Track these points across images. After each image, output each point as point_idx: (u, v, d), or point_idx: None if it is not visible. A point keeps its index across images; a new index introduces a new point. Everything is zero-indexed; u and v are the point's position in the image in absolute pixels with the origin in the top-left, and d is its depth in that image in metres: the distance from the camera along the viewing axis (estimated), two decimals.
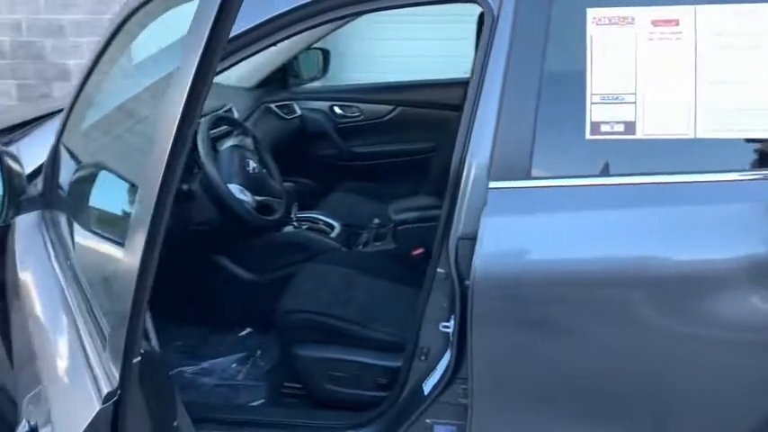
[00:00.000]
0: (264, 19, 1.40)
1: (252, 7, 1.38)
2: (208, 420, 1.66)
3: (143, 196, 0.83)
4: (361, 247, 2.25)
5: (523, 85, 1.29)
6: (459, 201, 1.36)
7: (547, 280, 1.25)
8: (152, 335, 1.30)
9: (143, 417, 0.86)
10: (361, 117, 2.86)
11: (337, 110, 2.89)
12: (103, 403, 0.81)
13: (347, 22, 2.39)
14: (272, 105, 2.72)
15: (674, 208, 1.24)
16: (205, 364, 2.04)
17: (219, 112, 2.23)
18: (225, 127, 2.03)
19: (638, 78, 1.26)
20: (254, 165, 1.95)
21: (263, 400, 1.85)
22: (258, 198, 1.94)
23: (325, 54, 3.00)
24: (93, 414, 0.80)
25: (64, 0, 5.53)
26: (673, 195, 1.24)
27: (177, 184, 0.85)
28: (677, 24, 1.25)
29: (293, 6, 1.40)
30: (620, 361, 1.25)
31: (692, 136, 1.24)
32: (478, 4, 1.36)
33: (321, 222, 2.28)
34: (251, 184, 1.91)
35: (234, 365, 2.03)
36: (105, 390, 0.83)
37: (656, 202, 1.24)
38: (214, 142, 1.97)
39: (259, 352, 2.06)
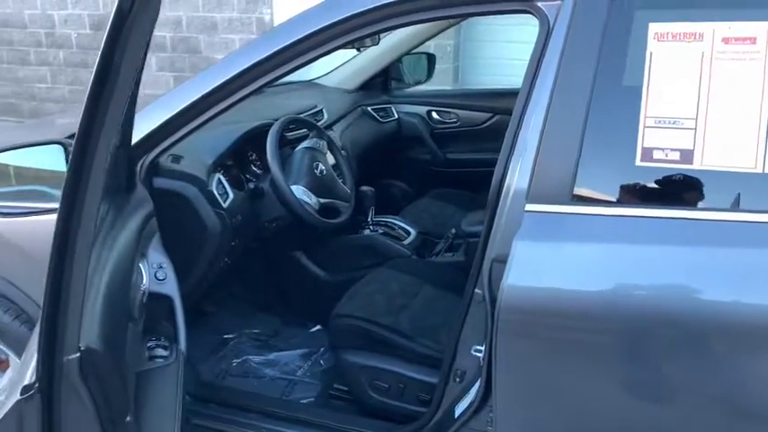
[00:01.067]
0: (321, 26, 1.42)
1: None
2: (257, 411, 1.74)
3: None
4: (434, 256, 2.22)
5: (571, 102, 1.20)
6: (496, 221, 1.30)
7: (574, 312, 1.16)
8: (181, 335, 1.39)
9: (82, 411, 0.90)
10: (458, 123, 2.81)
11: (435, 115, 2.87)
12: (20, 395, 0.87)
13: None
14: (369, 108, 2.75)
15: (727, 249, 1.09)
16: (271, 356, 2.12)
17: (308, 113, 2.30)
18: (303, 129, 2.09)
19: (701, 102, 1.13)
20: (323, 167, 1.99)
21: (312, 399, 1.89)
22: (323, 200, 1.98)
23: (431, 58, 2.99)
24: (9, 406, 0.87)
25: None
26: (727, 235, 1.10)
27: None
28: (753, 43, 1.10)
29: (350, 14, 1.41)
30: (640, 401, 1.13)
31: (758, 171, 1.09)
32: (533, 14, 1.29)
33: (397, 228, 2.27)
34: (317, 186, 1.96)
35: (296, 361, 2.10)
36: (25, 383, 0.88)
37: (707, 240, 1.10)
38: (291, 143, 2.04)
39: (322, 350, 2.11)
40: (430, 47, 5.30)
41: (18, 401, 0.85)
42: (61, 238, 0.86)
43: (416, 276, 1.96)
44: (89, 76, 0.83)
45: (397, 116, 2.85)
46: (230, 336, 2.24)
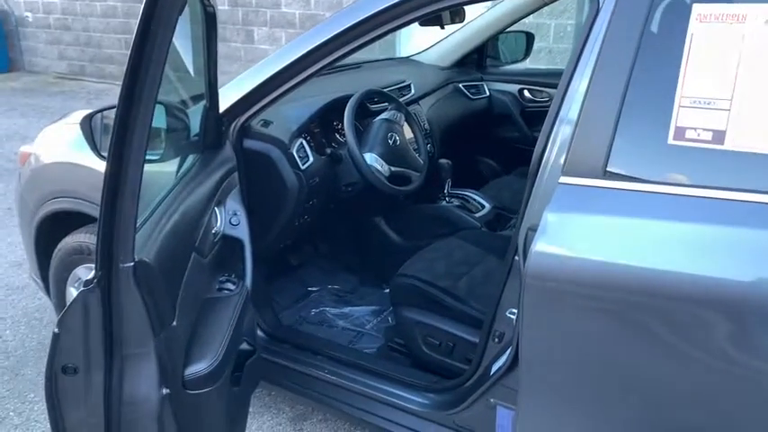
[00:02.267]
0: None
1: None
2: (324, 354, 1.93)
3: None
4: (506, 230, 2.29)
5: (611, 80, 1.24)
6: (534, 192, 1.37)
7: (595, 282, 1.21)
8: (248, 274, 1.59)
9: (135, 307, 1.11)
10: (550, 102, 2.81)
11: (527, 94, 2.89)
12: (84, 287, 1.10)
13: None
14: (461, 85, 2.83)
15: (751, 230, 1.10)
16: (345, 310, 2.31)
17: (394, 87, 2.43)
18: (384, 102, 2.23)
19: (738, 84, 1.13)
20: (398, 138, 2.11)
21: (374, 350, 2.05)
22: (394, 169, 2.11)
23: (529, 37, 3.00)
24: (75, 295, 1.11)
25: None
26: (754, 216, 1.11)
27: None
28: None
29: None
30: (649, 375, 1.18)
31: None
32: None
33: (473, 201, 2.36)
34: (390, 155, 2.09)
35: (367, 316, 2.27)
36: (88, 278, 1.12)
37: (732, 220, 1.12)
38: (374, 114, 2.19)
39: (391, 308, 2.26)
40: (550, 26, 5.25)
41: (82, 291, 1.09)
42: (113, 171, 1.07)
43: (481, 247, 2.05)
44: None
45: (488, 93, 2.90)
46: (313, 288, 2.46)
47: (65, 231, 2.12)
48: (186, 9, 1.23)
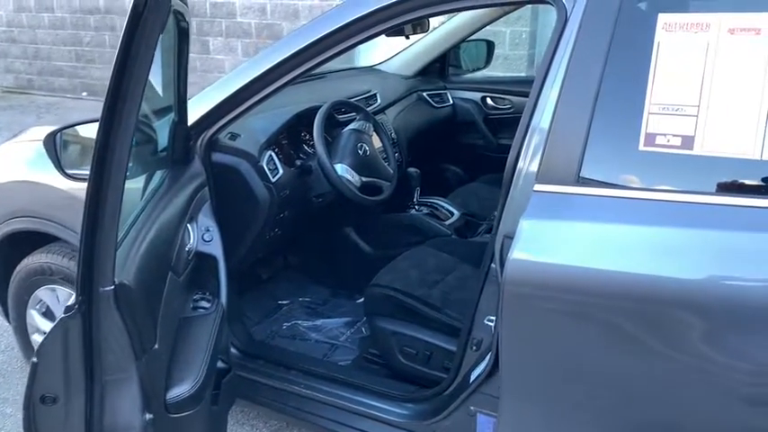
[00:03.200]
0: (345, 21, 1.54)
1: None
2: (299, 369, 1.91)
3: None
4: (475, 237, 2.31)
5: (581, 88, 1.27)
6: (508, 200, 1.39)
7: (573, 287, 1.23)
8: (223, 291, 1.57)
9: (116, 332, 1.08)
10: (512, 110, 2.87)
11: (489, 101, 2.93)
12: (63, 313, 1.08)
13: None
14: (425, 94, 2.85)
15: (720, 232, 1.14)
16: (318, 322, 2.29)
17: (360, 97, 2.43)
18: (352, 112, 2.23)
19: (704, 90, 1.17)
20: (367, 148, 2.11)
21: (349, 362, 2.04)
22: (365, 179, 2.10)
23: (490, 45, 3.04)
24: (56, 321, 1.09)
25: None
26: (722, 218, 1.14)
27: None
28: (758, 33, 1.14)
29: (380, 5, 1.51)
30: (627, 377, 1.20)
31: (756, 158, 1.12)
32: (551, 4, 1.36)
33: (441, 209, 2.38)
34: (360, 165, 2.09)
35: (340, 327, 2.25)
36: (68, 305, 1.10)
37: (701, 223, 1.15)
38: (342, 125, 2.18)
39: (364, 319, 2.25)
40: (506, 34, 5.34)
41: (62, 318, 1.05)
42: (93, 193, 1.05)
43: (453, 255, 2.06)
44: None
45: (452, 102, 2.93)
46: (284, 302, 2.43)
47: (23, 252, 2.05)
48: None
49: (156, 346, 1.21)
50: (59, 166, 1.47)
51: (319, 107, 2.10)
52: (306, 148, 2.17)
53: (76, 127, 1.55)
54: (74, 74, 7.37)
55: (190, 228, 1.55)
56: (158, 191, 1.48)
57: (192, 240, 1.55)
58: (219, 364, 1.60)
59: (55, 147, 1.45)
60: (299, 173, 2.05)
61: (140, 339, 1.14)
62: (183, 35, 1.48)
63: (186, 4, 1.40)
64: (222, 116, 1.72)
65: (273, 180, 1.89)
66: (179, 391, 1.30)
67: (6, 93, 7.66)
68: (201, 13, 6.59)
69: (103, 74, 6.97)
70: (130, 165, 1.49)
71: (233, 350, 1.94)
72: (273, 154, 1.95)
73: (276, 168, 1.93)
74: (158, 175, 1.56)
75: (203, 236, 1.59)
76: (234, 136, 1.88)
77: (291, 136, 2.14)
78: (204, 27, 6.62)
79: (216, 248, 1.59)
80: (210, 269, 1.59)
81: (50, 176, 1.73)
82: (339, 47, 1.60)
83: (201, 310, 1.54)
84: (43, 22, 7.47)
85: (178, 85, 1.51)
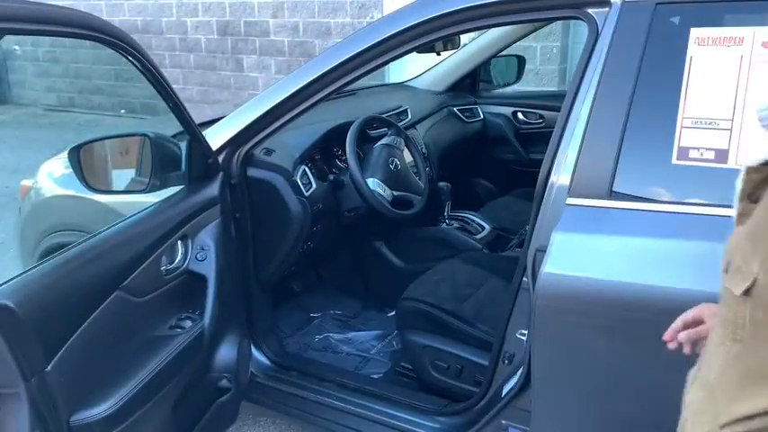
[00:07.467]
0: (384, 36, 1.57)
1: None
2: (331, 381, 1.93)
3: None
4: (507, 251, 2.31)
5: (614, 102, 1.28)
6: (541, 214, 1.39)
7: (604, 301, 1.23)
8: (208, 311, 1.60)
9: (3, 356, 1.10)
10: (543, 124, 2.87)
11: (520, 116, 2.94)
12: None
13: None
14: (455, 109, 2.87)
15: None
16: (349, 335, 2.31)
17: (391, 112, 2.46)
18: (384, 128, 2.26)
19: (738, 104, 1.17)
20: (398, 162, 2.14)
21: (381, 375, 2.05)
22: (396, 193, 2.13)
23: (521, 60, 3.05)
24: None
25: (334, 5, 6.32)
26: None
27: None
28: None
29: (415, 22, 1.55)
30: (660, 391, 1.19)
31: None
32: (584, 20, 1.37)
33: (472, 223, 2.38)
34: (392, 179, 2.11)
35: (371, 341, 2.27)
36: None
37: None
38: (373, 140, 2.21)
39: (395, 332, 2.26)
40: (536, 49, 5.34)
41: None
42: None
43: (484, 269, 2.07)
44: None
45: (482, 116, 2.94)
46: (316, 315, 2.46)
47: None
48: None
49: (49, 369, 1.19)
50: (83, 179, 1.52)
51: (351, 123, 2.14)
52: (338, 162, 2.20)
53: (100, 142, 1.59)
54: (113, 92, 7.58)
55: (180, 245, 1.57)
56: (150, 208, 1.51)
57: (179, 258, 1.57)
58: (223, 383, 1.61)
59: (79, 160, 1.49)
60: (332, 187, 2.08)
61: (28, 361, 1.14)
62: (137, 59, 1.40)
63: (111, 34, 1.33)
64: (258, 132, 1.76)
65: (307, 194, 1.93)
66: (90, 413, 1.27)
67: (49, 111, 7.90)
68: (236, 32, 6.73)
69: (141, 92, 7.16)
70: (149, 180, 1.53)
71: (266, 361, 1.96)
72: (307, 169, 1.99)
73: (309, 183, 1.97)
74: (170, 192, 1.60)
75: (197, 255, 1.60)
76: (269, 151, 1.92)
77: (324, 151, 2.18)
78: (238, 45, 6.76)
79: (207, 268, 1.60)
80: (200, 288, 1.60)
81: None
82: (371, 64, 1.63)
83: (179, 330, 1.54)
84: (84, 42, 7.70)
85: (171, 104, 1.51)
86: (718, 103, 1.19)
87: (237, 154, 1.79)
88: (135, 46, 1.36)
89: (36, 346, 1.18)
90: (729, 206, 1.17)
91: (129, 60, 1.39)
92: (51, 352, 1.22)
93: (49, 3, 1.18)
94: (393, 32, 1.57)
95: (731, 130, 1.17)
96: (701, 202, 1.20)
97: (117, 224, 1.48)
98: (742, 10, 1.21)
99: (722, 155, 1.18)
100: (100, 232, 1.43)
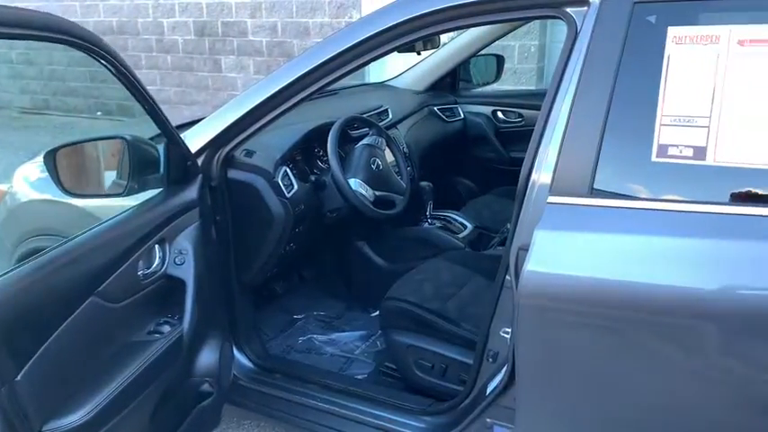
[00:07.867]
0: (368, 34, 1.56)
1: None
2: (315, 383, 1.92)
3: None
4: (489, 249, 2.31)
5: (593, 100, 1.29)
6: (522, 212, 1.40)
7: (587, 299, 1.24)
8: (187, 316, 1.58)
9: None
10: (523, 123, 2.89)
11: (500, 115, 2.95)
12: None
13: None
14: (436, 108, 2.88)
15: (733, 241, 1.14)
16: (333, 336, 2.31)
17: (372, 112, 2.46)
18: (365, 128, 2.26)
19: (715, 101, 1.18)
20: (380, 162, 2.14)
21: (365, 375, 2.05)
22: (378, 193, 2.13)
23: (500, 59, 3.07)
24: None
25: (312, 5, 6.29)
26: (735, 227, 1.15)
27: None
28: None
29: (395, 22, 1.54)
30: (644, 388, 1.20)
31: None
32: (563, 19, 1.38)
33: (454, 222, 2.39)
34: (373, 179, 2.11)
35: (355, 341, 2.26)
36: None
37: (714, 233, 1.16)
38: (354, 140, 2.21)
39: (379, 332, 2.26)
40: (515, 48, 5.37)
41: None
42: None
43: (467, 267, 2.07)
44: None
45: (462, 116, 2.95)
46: (299, 316, 2.44)
47: None
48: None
49: (19, 378, 1.16)
50: (59, 183, 1.49)
51: (332, 123, 2.13)
52: (320, 163, 2.19)
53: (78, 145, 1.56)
54: (88, 94, 7.48)
55: (158, 249, 1.55)
56: (127, 212, 1.49)
57: (157, 262, 1.55)
58: (205, 387, 1.59)
59: (55, 164, 1.46)
60: (314, 188, 2.07)
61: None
62: (109, 62, 1.38)
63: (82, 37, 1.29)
64: (238, 133, 1.75)
65: (288, 195, 1.92)
66: (64, 421, 1.26)
67: (23, 113, 7.78)
68: (214, 33, 6.67)
69: (117, 94, 7.07)
70: (127, 183, 1.51)
71: (249, 364, 1.95)
72: (288, 170, 1.98)
73: (291, 184, 1.96)
74: (148, 195, 1.58)
75: (175, 259, 1.58)
76: (249, 153, 1.90)
77: (305, 152, 2.17)
78: (216, 46, 6.70)
79: (186, 272, 1.58)
80: (179, 292, 1.58)
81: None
82: (352, 64, 1.62)
83: (157, 335, 1.53)
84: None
85: (146, 106, 1.49)
86: (695, 100, 1.20)
87: (217, 156, 1.77)
88: (107, 49, 1.34)
89: (5, 356, 1.15)
90: (708, 202, 1.20)
91: (102, 63, 1.37)
92: (22, 361, 1.19)
93: (21, 5, 1.15)
94: (373, 32, 1.56)
95: (709, 127, 1.19)
96: (681, 198, 1.22)
97: (92, 228, 1.45)
98: (718, 8, 1.22)
99: (700, 152, 1.19)
100: (75, 237, 1.40)
